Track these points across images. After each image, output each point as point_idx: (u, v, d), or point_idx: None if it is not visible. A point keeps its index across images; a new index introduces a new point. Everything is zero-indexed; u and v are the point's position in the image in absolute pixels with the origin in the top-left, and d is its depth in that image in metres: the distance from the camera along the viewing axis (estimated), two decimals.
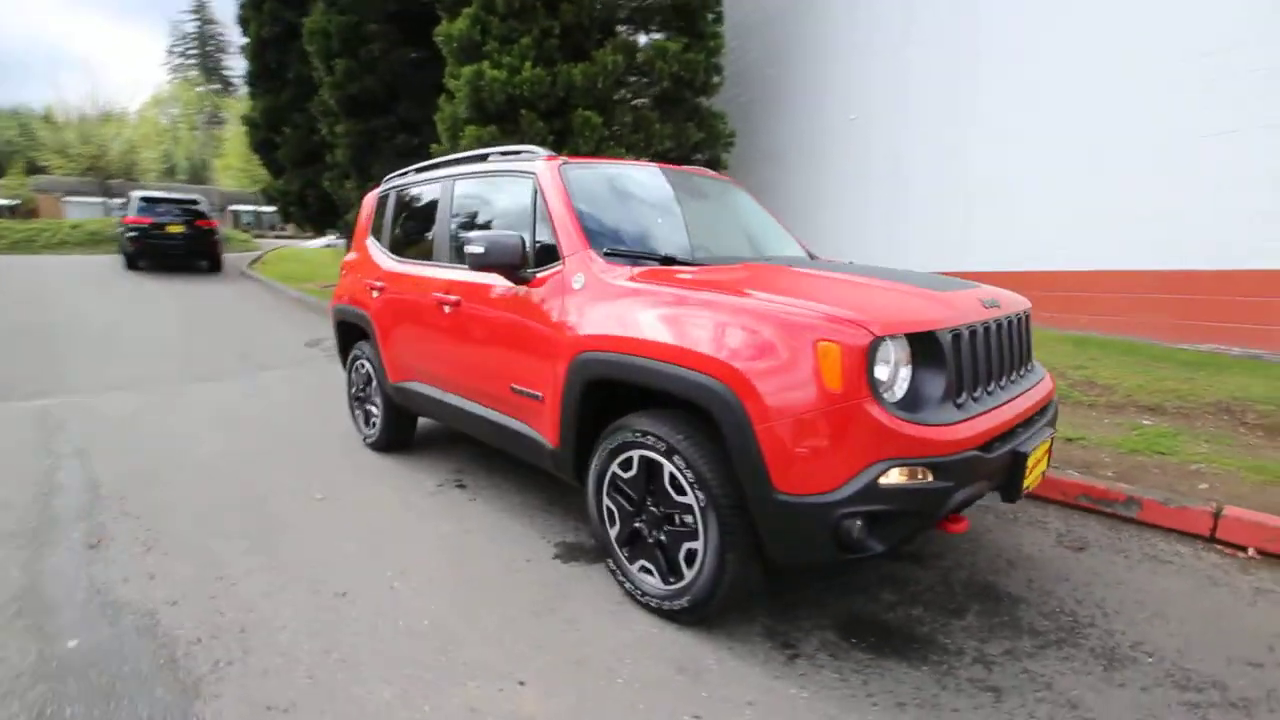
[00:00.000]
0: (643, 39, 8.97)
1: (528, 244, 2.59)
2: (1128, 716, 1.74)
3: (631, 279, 2.28)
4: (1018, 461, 1.99)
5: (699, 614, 2.09)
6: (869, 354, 1.75)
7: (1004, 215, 7.05)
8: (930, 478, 1.78)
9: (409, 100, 10.82)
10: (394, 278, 3.57)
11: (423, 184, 3.59)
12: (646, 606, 2.22)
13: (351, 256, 4.21)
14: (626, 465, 2.23)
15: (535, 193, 2.72)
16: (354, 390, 4.20)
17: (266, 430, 4.48)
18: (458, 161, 3.52)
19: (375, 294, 3.71)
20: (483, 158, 3.24)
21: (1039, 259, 6.70)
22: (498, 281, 2.75)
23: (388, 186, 3.99)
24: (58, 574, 2.53)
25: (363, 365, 4.02)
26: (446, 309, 3.05)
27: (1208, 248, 5.56)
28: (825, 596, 2.33)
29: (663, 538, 2.15)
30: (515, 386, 2.68)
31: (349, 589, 2.41)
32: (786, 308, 1.88)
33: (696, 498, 1.99)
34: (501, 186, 2.99)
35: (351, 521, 3.01)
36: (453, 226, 3.22)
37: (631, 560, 2.28)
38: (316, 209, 13.50)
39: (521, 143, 8.10)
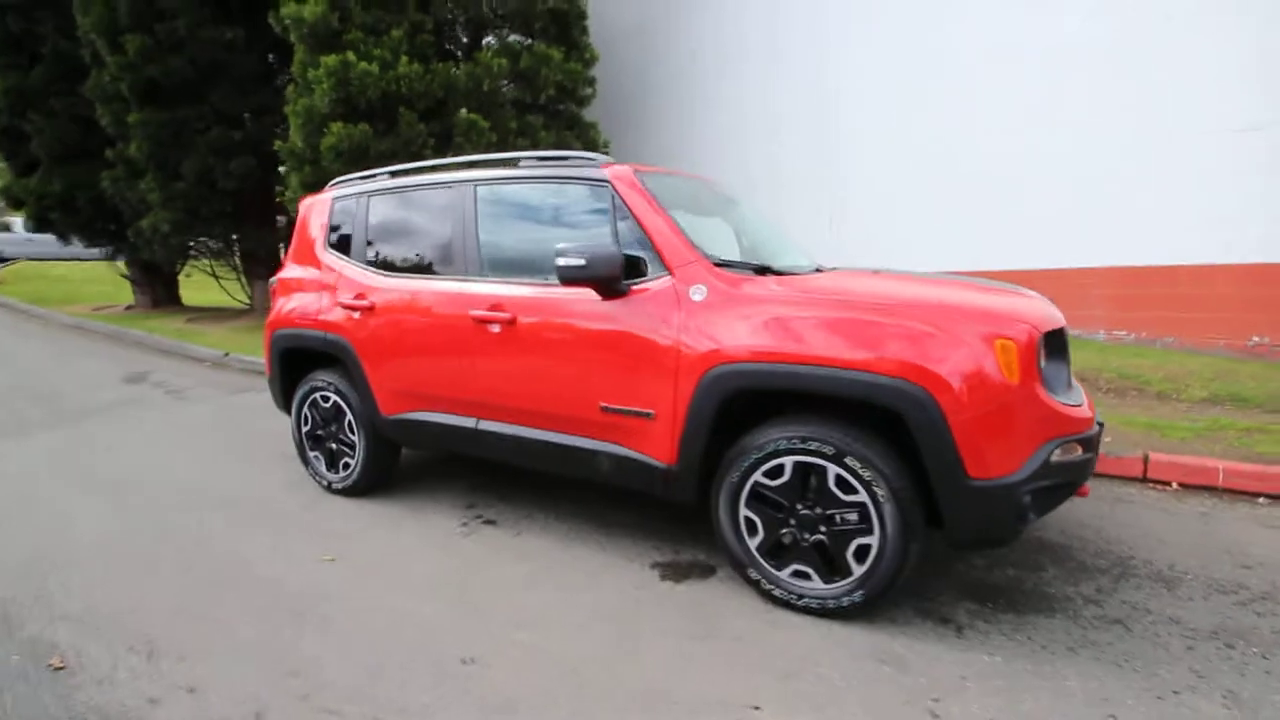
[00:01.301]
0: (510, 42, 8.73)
1: None
2: (1208, 620, 2.20)
3: (772, 289, 2.30)
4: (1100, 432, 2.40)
5: (871, 607, 2.18)
6: (1037, 348, 2.00)
7: (873, 221, 8.01)
8: (1080, 451, 2.09)
9: (226, 87, 9.25)
10: (390, 296, 3.11)
11: (417, 190, 3.18)
12: (806, 610, 2.25)
13: (296, 273, 3.57)
14: (775, 473, 2.24)
15: (613, 201, 2.59)
16: (308, 429, 3.56)
17: (166, 489, 3.65)
18: (467, 165, 3.19)
19: (357, 315, 3.20)
20: (512, 162, 2.98)
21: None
22: (577, 295, 2.57)
23: (351, 192, 3.45)
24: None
25: (325, 399, 3.43)
26: (494, 328, 2.76)
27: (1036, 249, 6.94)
28: (932, 574, 2.55)
29: (823, 539, 2.20)
30: (608, 406, 2.52)
31: (472, 653, 2.09)
32: (961, 310, 2.06)
33: (874, 494, 2.07)
34: (555, 194, 2.79)
35: (397, 579, 2.59)
36: (482, 236, 2.91)
37: (779, 567, 2.30)
38: (89, 215, 10.89)
39: (400, 142, 7.47)
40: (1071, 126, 5.85)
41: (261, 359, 7.70)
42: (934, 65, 6.83)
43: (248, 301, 11.34)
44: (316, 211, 3.57)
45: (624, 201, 2.57)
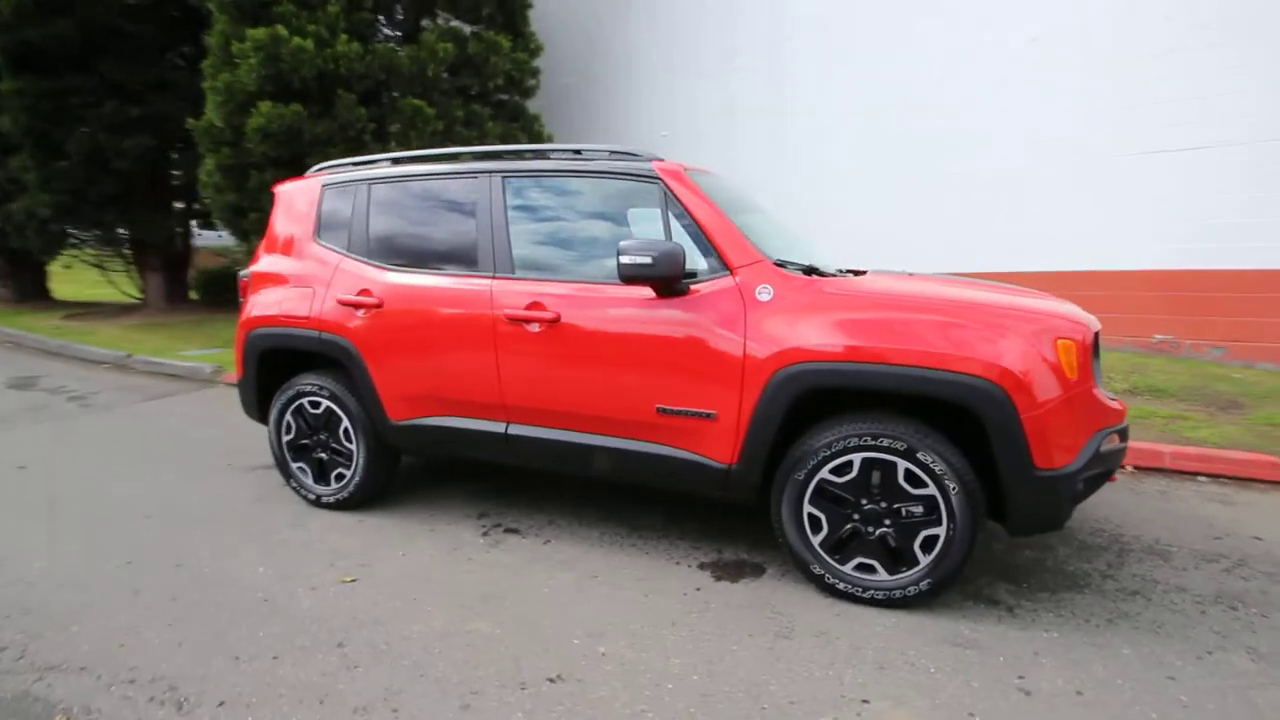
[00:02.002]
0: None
1: None
2: (1207, 586, 2.48)
3: (837, 289, 2.34)
4: None
5: (936, 595, 2.27)
6: (1093, 347, 2.17)
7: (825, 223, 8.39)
8: (1118, 441, 2.29)
9: (120, 57, 8.22)
10: (404, 293, 2.88)
11: (430, 179, 2.97)
12: (870, 602, 2.32)
13: (275, 265, 3.23)
14: (842, 470, 2.29)
15: (664, 198, 2.54)
16: (290, 438, 3.23)
17: (112, 509, 3.23)
18: (488, 156, 3.01)
19: (361, 313, 2.94)
20: (540, 154, 2.85)
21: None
22: (630, 294, 2.50)
23: (345, 179, 3.17)
24: None
25: (315, 405, 3.14)
26: (533, 327, 2.63)
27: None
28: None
29: (888, 532, 2.28)
30: (666, 408, 2.48)
31: (556, 671, 1.98)
32: (1025, 312, 2.19)
33: (946, 487, 2.17)
34: (596, 189, 2.69)
35: (433, 597, 2.41)
36: (514, 231, 2.76)
37: (842, 562, 2.35)
38: None
39: (336, 126, 6.94)
40: (1014, 147, 6.40)
41: (174, 361, 6.94)
42: (890, 76, 7.22)
43: (140, 296, 10.13)
44: (301, 199, 3.25)
45: (678, 199, 2.53)
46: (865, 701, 1.85)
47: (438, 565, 2.67)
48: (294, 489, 3.29)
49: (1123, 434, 2.32)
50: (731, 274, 2.42)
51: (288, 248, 3.23)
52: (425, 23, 8.07)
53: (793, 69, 8.01)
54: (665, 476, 2.57)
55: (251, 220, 7.19)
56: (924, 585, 2.25)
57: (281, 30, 6.46)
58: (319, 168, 3.34)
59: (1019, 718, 1.78)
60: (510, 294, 2.68)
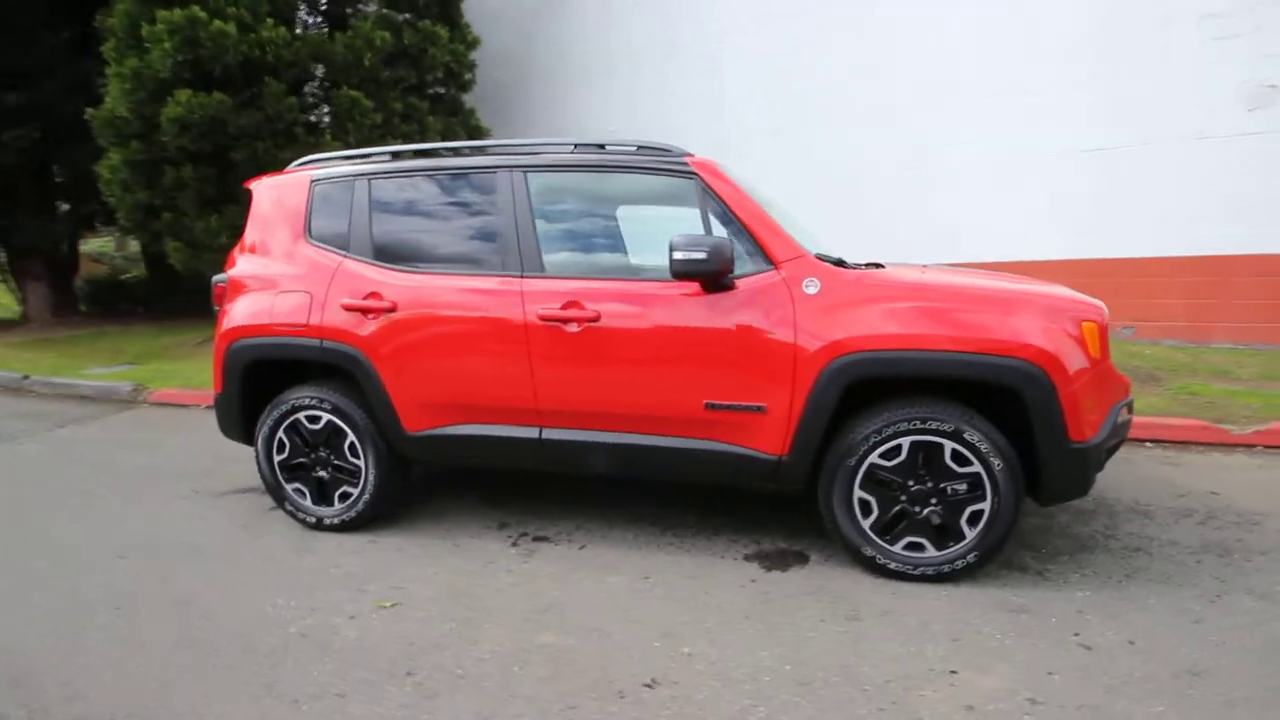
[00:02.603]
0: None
1: None
2: (1193, 539, 2.75)
3: (882, 280, 2.42)
4: None
5: (981, 566, 2.41)
6: (1108, 328, 2.37)
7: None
8: (1128, 413, 2.51)
9: None
10: (421, 295, 2.71)
11: (439, 174, 2.80)
12: (921, 578, 2.42)
13: (259, 268, 2.96)
14: (892, 454, 2.38)
15: (702, 193, 2.54)
16: (283, 458, 2.97)
17: (72, 547, 2.91)
18: (502, 150, 2.88)
19: (372, 318, 2.74)
20: (560, 149, 2.75)
21: None
22: (674, 290, 2.48)
23: (338, 173, 2.94)
24: None
25: (314, 419, 2.90)
26: (570, 327, 2.55)
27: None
28: None
29: (936, 510, 2.39)
30: (715, 403, 2.47)
31: (648, 675, 1.94)
32: (1052, 299, 2.36)
33: (990, 464, 2.30)
34: (626, 184, 2.65)
35: (485, 614, 2.31)
36: (540, 228, 2.66)
37: (892, 542, 2.44)
38: None
39: (263, 117, 6.42)
40: (952, 146, 6.83)
41: (81, 381, 6.19)
42: (825, 77, 7.52)
43: (18, 309, 8.92)
44: (286, 195, 2.98)
45: (718, 194, 2.53)
46: (954, 672, 1.94)
47: (477, 581, 2.54)
48: (289, 513, 3.03)
49: (1130, 406, 2.55)
50: (776, 268, 2.45)
51: (272, 249, 2.96)
52: (351, 10, 7.63)
53: (730, 66, 8.19)
54: (713, 472, 2.58)
55: (166, 221, 6.52)
56: (971, 558, 2.38)
57: (199, 12, 5.89)
58: (303, 162, 3.07)
59: (1092, 671, 1.92)
60: (544, 293, 2.59)
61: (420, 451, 2.84)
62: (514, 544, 2.86)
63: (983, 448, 2.30)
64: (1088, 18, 6.21)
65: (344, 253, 2.86)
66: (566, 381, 2.61)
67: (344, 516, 2.94)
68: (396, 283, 2.76)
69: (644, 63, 8.79)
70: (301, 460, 2.97)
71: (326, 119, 7.12)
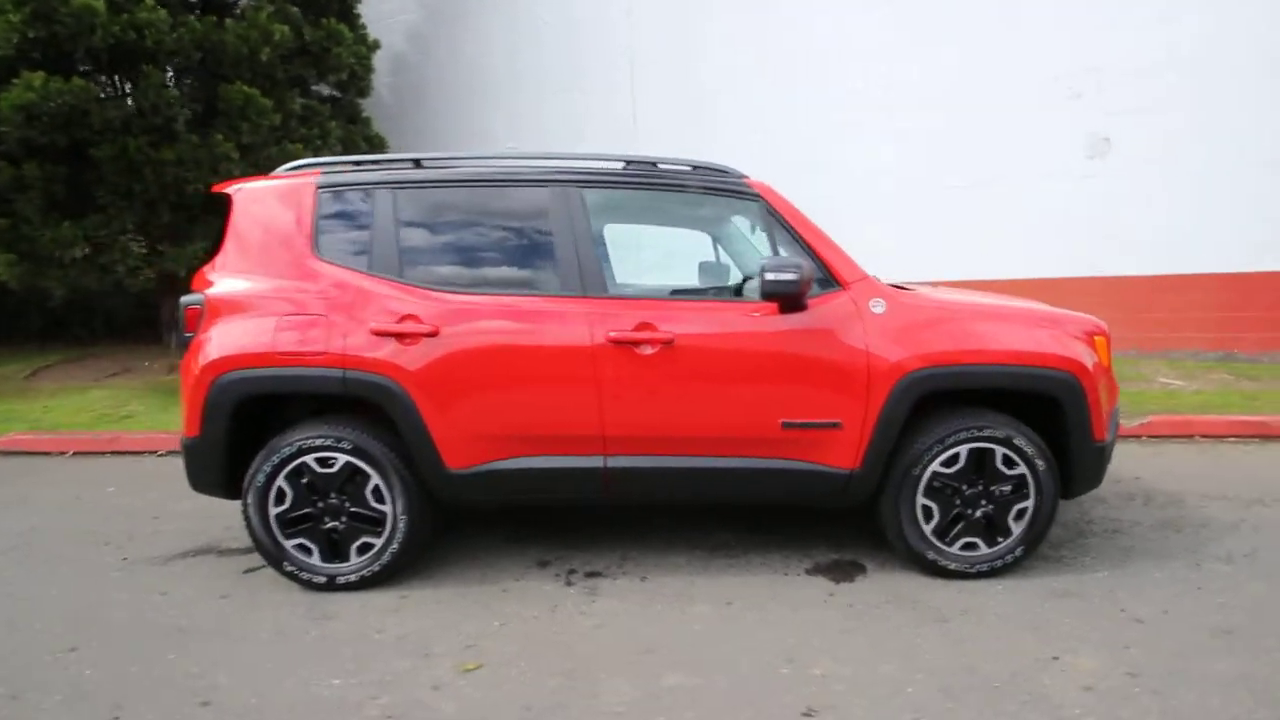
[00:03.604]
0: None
1: None
2: (1158, 517, 3.22)
3: (933, 301, 2.60)
4: None
5: (1026, 558, 2.65)
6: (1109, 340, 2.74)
7: None
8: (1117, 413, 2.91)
9: None
10: (470, 318, 2.46)
11: (481, 186, 2.57)
12: (978, 575, 2.60)
13: (254, 287, 2.52)
14: (951, 461, 2.55)
15: (769, 216, 2.57)
16: (281, 510, 2.53)
17: (26, 625, 2.25)
18: (536, 164, 2.69)
19: (410, 344, 2.43)
20: (626, 163, 2.65)
21: None
22: (748, 311, 2.48)
23: (353, 180, 2.59)
24: None
25: (326, 463, 2.51)
26: (644, 350, 2.45)
27: None
28: None
29: (988, 510, 2.59)
30: (791, 422, 2.50)
31: (801, 704, 1.90)
32: (1070, 317, 2.68)
33: (1034, 465, 2.55)
34: (688, 203, 2.61)
35: (584, 664, 2.13)
36: (601, 247, 2.53)
37: (950, 544, 2.61)
38: None
39: (135, 110, 5.47)
40: (888, 175, 7.43)
41: None
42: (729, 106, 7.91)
43: None
44: (283, 204, 2.57)
45: (784, 216, 2.58)
46: (1056, 659, 2.11)
47: (553, 629, 2.34)
48: (288, 574, 2.57)
49: (1118, 410, 2.97)
50: (844, 288, 2.55)
51: (267, 266, 2.53)
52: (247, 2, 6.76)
53: (643, 86, 8.37)
54: (783, 491, 2.60)
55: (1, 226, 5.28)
56: (1018, 552, 2.62)
57: None
58: (297, 166, 2.66)
59: (1155, 641, 2.19)
60: (612, 315, 2.47)
61: (463, 490, 2.56)
62: (567, 583, 2.66)
63: (1029, 451, 2.55)
64: (953, 78, 7.12)
65: (365, 271, 2.52)
66: (637, 406, 2.50)
67: (365, 571, 2.56)
68: (438, 305, 2.47)
69: (552, 82, 8.69)
70: (307, 511, 2.54)
71: (206, 109, 6.19)
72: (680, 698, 1.95)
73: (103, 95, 5.21)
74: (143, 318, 7.91)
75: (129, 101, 5.38)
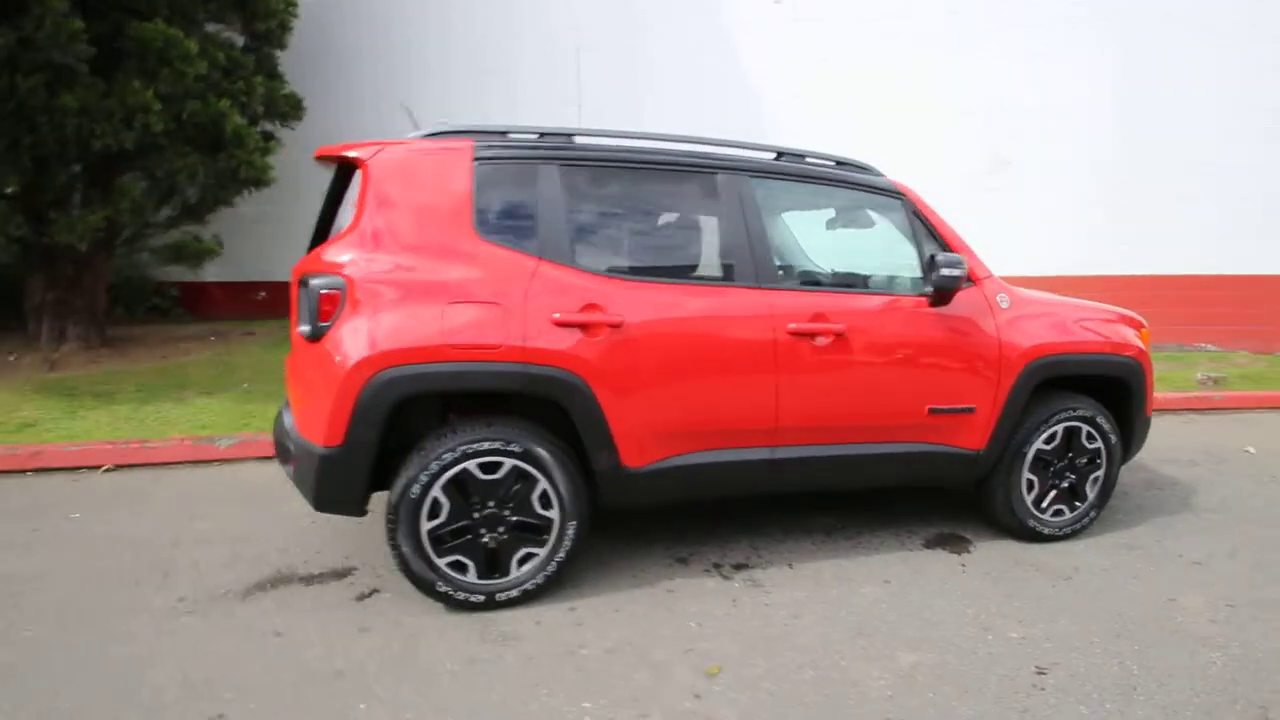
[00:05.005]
0: None
1: None
2: (1132, 481, 3.92)
3: (1041, 298, 2.91)
4: None
5: (1097, 519, 3.08)
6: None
7: None
8: None
9: None
10: (656, 308, 2.33)
11: (650, 168, 2.42)
12: (1064, 537, 2.98)
13: (411, 268, 2.17)
14: (1051, 439, 2.90)
15: (911, 215, 2.72)
16: (436, 524, 2.24)
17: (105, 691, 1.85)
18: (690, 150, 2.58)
19: (594, 336, 2.25)
20: (777, 154, 2.63)
21: None
22: (904, 303, 2.64)
23: (518, 153, 2.33)
24: None
25: (490, 468, 2.27)
26: (819, 341, 2.49)
27: None
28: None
29: (1073, 480, 2.98)
30: (937, 408, 2.69)
31: (1031, 663, 2.09)
32: (1121, 312, 3.14)
33: (1109, 439, 2.98)
34: (840, 199, 2.68)
35: (814, 653, 2.19)
36: (770, 238, 2.51)
37: (1044, 511, 2.97)
38: None
39: (28, 43, 4.33)
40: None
41: None
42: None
43: None
44: (438, 174, 2.24)
45: (925, 216, 2.74)
46: (1173, 600, 2.52)
47: (754, 622, 2.33)
48: (440, 595, 2.27)
49: None
50: (976, 285, 2.78)
51: (423, 245, 2.19)
52: None
53: (588, 69, 8.19)
54: (920, 472, 2.80)
55: None
56: (1093, 514, 3.05)
57: None
58: (440, 130, 2.31)
59: (1226, 580, 2.68)
60: (790, 306, 2.48)
61: (635, 490, 2.43)
62: (724, 577, 2.64)
63: (1106, 427, 2.98)
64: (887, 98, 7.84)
65: (537, 254, 2.27)
66: (810, 396, 2.54)
67: (529, 585, 2.34)
68: (621, 294, 2.31)
69: (489, 60, 8.19)
70: (464, 524, 2.26)
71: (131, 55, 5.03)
72: (927, 674, 2.05)
73: None
74: None
75: (14, 32, 4.19)
